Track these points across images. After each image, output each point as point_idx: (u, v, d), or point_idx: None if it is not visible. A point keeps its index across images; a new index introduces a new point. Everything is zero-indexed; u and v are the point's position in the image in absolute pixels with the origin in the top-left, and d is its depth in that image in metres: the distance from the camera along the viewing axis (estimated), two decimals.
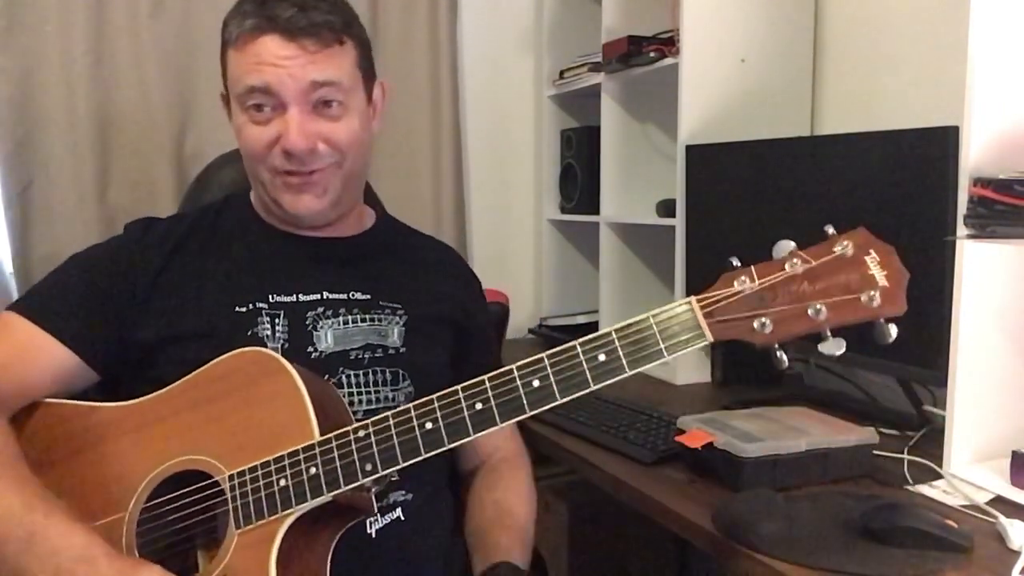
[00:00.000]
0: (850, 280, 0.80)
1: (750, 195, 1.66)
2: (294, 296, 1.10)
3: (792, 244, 0.83)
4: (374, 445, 0.88)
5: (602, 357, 0.84)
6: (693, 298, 0.84)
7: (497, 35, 2.42)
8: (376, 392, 1.09)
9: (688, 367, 1.86)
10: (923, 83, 1.66)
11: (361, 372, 1.09)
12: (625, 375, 0.84)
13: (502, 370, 0.87)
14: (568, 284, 2.44)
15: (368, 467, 0.88)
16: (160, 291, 1.09)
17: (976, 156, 1.18)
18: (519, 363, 0.86)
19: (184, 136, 1.99)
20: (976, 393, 1.22)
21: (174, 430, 0.98)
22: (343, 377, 1.08)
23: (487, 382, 0.87)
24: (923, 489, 1.18)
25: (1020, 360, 1.25)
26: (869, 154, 1.41)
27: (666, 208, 1.90)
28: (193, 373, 0.99)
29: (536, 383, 0.85)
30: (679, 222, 1.83)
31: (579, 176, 2.27)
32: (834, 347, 0.81)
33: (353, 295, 1.13)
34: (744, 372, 1.83)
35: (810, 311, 0.79)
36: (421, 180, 2.25)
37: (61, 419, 1.03)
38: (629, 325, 0.85)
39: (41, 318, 1.05)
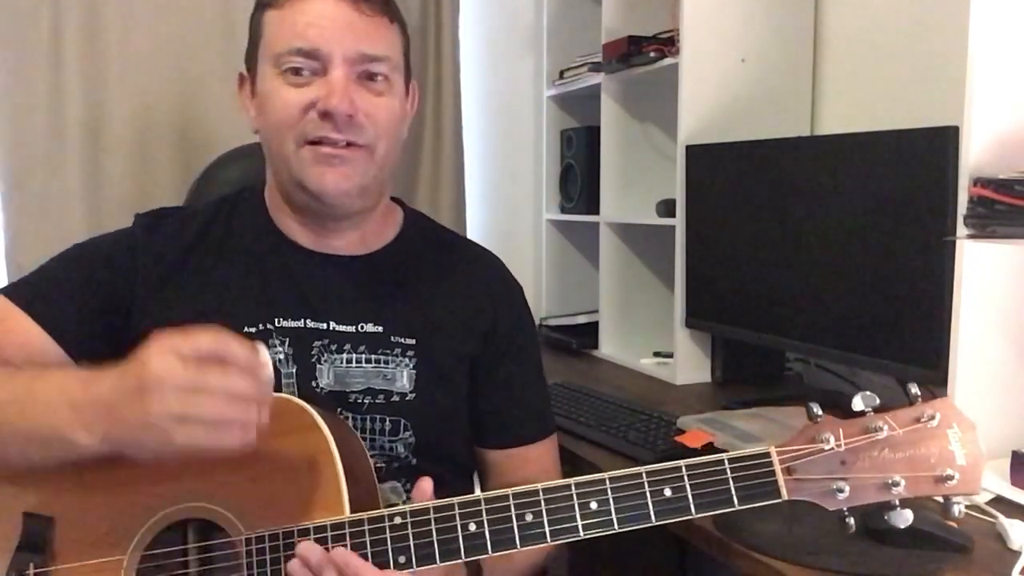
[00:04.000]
0: (930, 454, 0.78)
1: (750, 195, 1.67)
2: (301, 322, 1.03)
3: (876, 400, 0.80)
4: (411, 538, 0.82)
5: (668, 492, 0.80)
6: (774, 449, 0.81)
7: (497, 35, 2.42)
8: (372, 440, 1.02)
9: (688, 367, 1.86)
10: (923, 83, 1.65)
11: (359, 417, 1.02)
12: (690, 517, 0.80)
13: (558, 483, 0.82)
14: (568, 284, 2.44)
15: (402, 559, 0.82)
16: (164, 302, 1.02)
17: (976, 156, 1.18)
18: (577, 479, 0.82)
19: (186, 133, 1.99)
20: (976, 393, 1.22)
21: (186, 470, 0.88)
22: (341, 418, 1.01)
23: (541, 493, 0.82)
24: None
25: (1020, 360, 1.25)
26: (869, 154, 1.41)
27: (666, 208, 1.90)
28: None
29: (594, 506, 0.81)
30: (679, 222, 1.83)
31: (579, 176, 2.27)
32: (902, 519, 0.79)
33: (363, 327, 1.04)
34: (744, 372, 1.83)
35: (888, 482, 0.78)
36: (421, 180, 2.26)
37: None
38: (701, 464, 0.81)
39: (27, 304, 1.00)
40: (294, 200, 1.04)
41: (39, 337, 1.00)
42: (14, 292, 1.03)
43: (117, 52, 1.92)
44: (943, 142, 1.25)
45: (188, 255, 1.05)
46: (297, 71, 0.97)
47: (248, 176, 1.32)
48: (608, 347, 2.14)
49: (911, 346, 1.35)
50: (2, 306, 1.01)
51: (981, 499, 1.13)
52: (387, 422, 1.03)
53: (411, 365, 1.04)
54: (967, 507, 1.11)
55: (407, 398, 1.04)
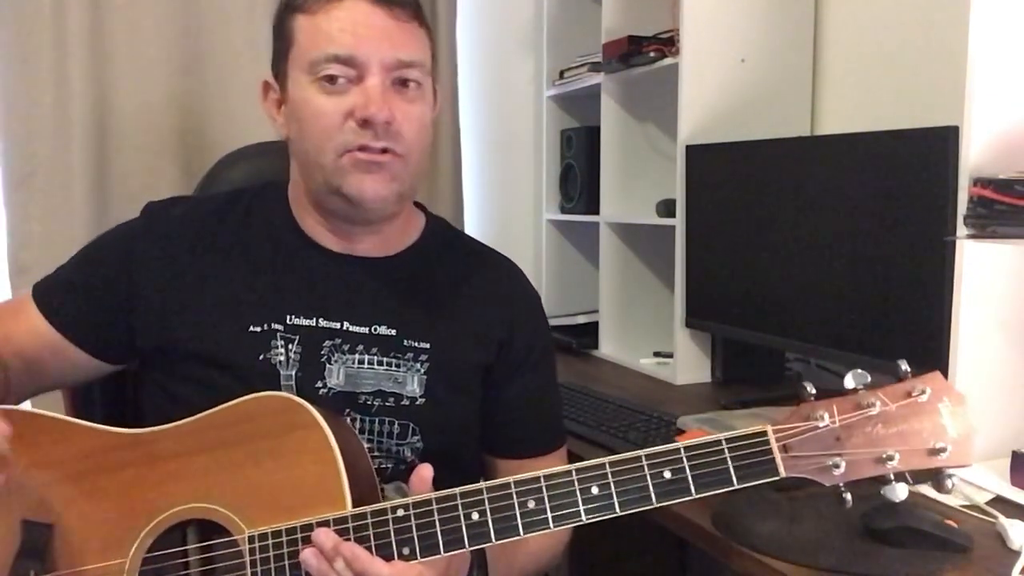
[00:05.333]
0: (923, 428, 0.79)
1: (750, 195, 1.67)
2: (314, 320, 1.02)
3: (867, 377, 0.81)
4: (414, 529, 0.82)
5: (668, 474, 0.81)
6: (770, 427, 0.82)
7: (497, 35, 2.42)
8: (380, 442, 1.02)
9: (688, 367, 1.86)
10: (923, 83, 1.66)
11: (368, 419, 1.01)
12: (690, 498, 0.81)
13: (559, 469, 0.82)
14: (568, 284, 2.44)
15: (406, 551, 0.82)
16: (168, 288, 1.02)
17: (976, 156, 1.18)
18: (578, 465, 0.82)
19: (192, 132, 1.98)
20: (976, 393, 1.22)
21: (186, 471, 0.90)
22: (348, 420, 1.01)
23: (543, 480, 0.82)
24: (923, 489, 1.18)
25: (1020, 360, 1.25)
26: (869, 154, 1.41)
27: (666, 208, 1.90)
28: (210, 411, 0.92)
29: (595, 490, 0.81)
30: (679, 222, 1.83)
31: (579, 176, 2.27)
32: (898, 493, 0.79)
33: (376, 329, 1.03)
34: (744, 372, 1.83)
35: (883, 456, 0.79)
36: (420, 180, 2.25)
37: (60, 438, 0.96)
38: (699, 444, 0.81)
39: (39, 299, 1.05)
40: (327, 205, 1.03)
41: (48, 331, 1.04)
42: (37, 287, 1.08)
43: (121, 51, 1.91)
44: (943, 142, 1.25)
45: (196, 243, 1.05)
46: (332, 79, 0.96)
47: (254, 175, 1.31)
48: (608, 347, 2.14)
49: (911, 346, 1.35)
50: (23, 301, 1.07)
51: (981, 499, 1.13)
52: (395, 425, 1.03)
53: (422, 370, 1.04)
54: (967, 507, 1.12)
55: (417, 402, 1.03)
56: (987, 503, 1.12)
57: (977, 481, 1.18)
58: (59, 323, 1.04)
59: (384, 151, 0.98)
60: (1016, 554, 0.98)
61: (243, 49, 1.98)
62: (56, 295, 1.06)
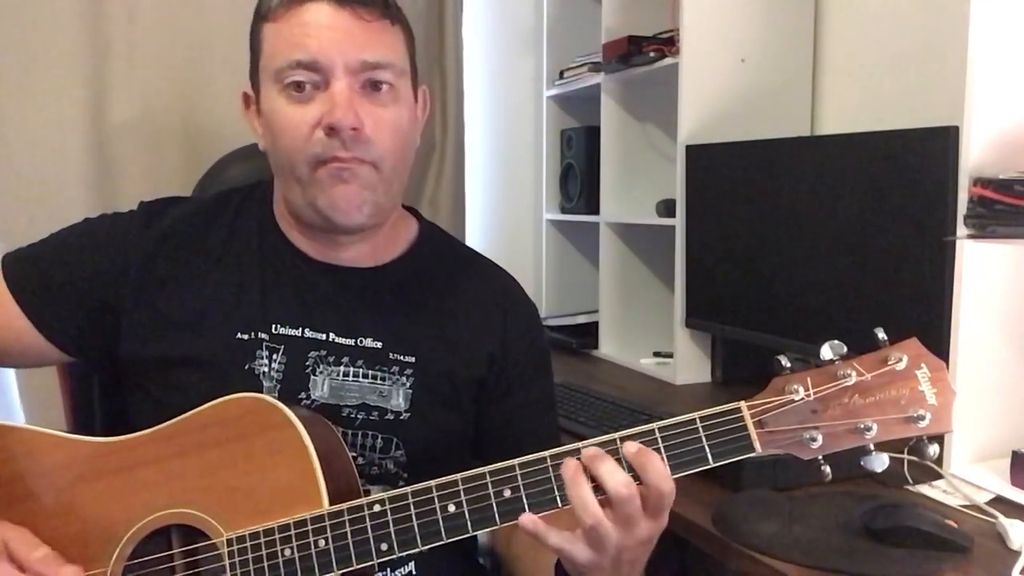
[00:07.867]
0: (900, 396, 0.78)
1: (750, 195, 1.67)
2: (299, 331, 1.00)
3: (844, 348, 0.80)
4: (391, 524, 0.82)
5: None
6: (744, 403, 0.81)
7: (497, 35, 2.42)
8: (363, 456, 0.99)
9: (688, 367, 1.86)
10: (923, 83, 1.66)
11: (351, 432, 0.99)
12: None
13: (533, 457, 0.80)
14: (568, 284, 2.44)
15: (384, 547, 0.82)
16: (156, 296, 1.00)
17: (976, 156, 1.19)
18: (553, 451, 0.81)
19: (190, 132, 1.98)
20: (976, 393, 1.22)
21: (161, 477, 0.89)
22: None
23: (517, 468, 0.80)
24: (923, 489, 1.18)
25: (1020, 360, 1.25)
26: (869, 154, 1.41)
27: (666, 208, 1.90)
28: (183, 415, 0.90)
29: None
30: (679, 222, 1.83)
31: (579, 176, 2.27)
32: (878, 463, 0.79)
33: (362, 342, 1.01)
34: (744, 372, 1.83)
35: (860, 427, 0.78)
36: (421, 180, 2.25)
37: (34, 450, 0.94)
38: (674, 425, 0.80)
39: (15, 284, 1.01)
40: (305, 218, 1.00)
41: (19, 320, 1.00)
42: (10, 266, 1.03)
43: (121, 50, 1.90)
44: (943, 142, 1.25)
45: (188, 247, 1.03)
46: (299, 85, 0.93)
47: (254, 175, 1.31)
48: (608, 347, 2.14)
49: None
50: None
51: (981, 499, 1.14)
52: (379, 439, 1.01)
53: (408, 384, 1.01)
54: (967, 507, 1.12)
55: (401, 417, 1.01)
56: (987, 503, 1.12)
57: (977, 481, 1.18)
58: (40, 322, 1.01)
59: (355, 160, 0.95)
60: (1016, 554, 0.98)
61: (243, 48, 1.98)
62: (41, 292, 1.01)
